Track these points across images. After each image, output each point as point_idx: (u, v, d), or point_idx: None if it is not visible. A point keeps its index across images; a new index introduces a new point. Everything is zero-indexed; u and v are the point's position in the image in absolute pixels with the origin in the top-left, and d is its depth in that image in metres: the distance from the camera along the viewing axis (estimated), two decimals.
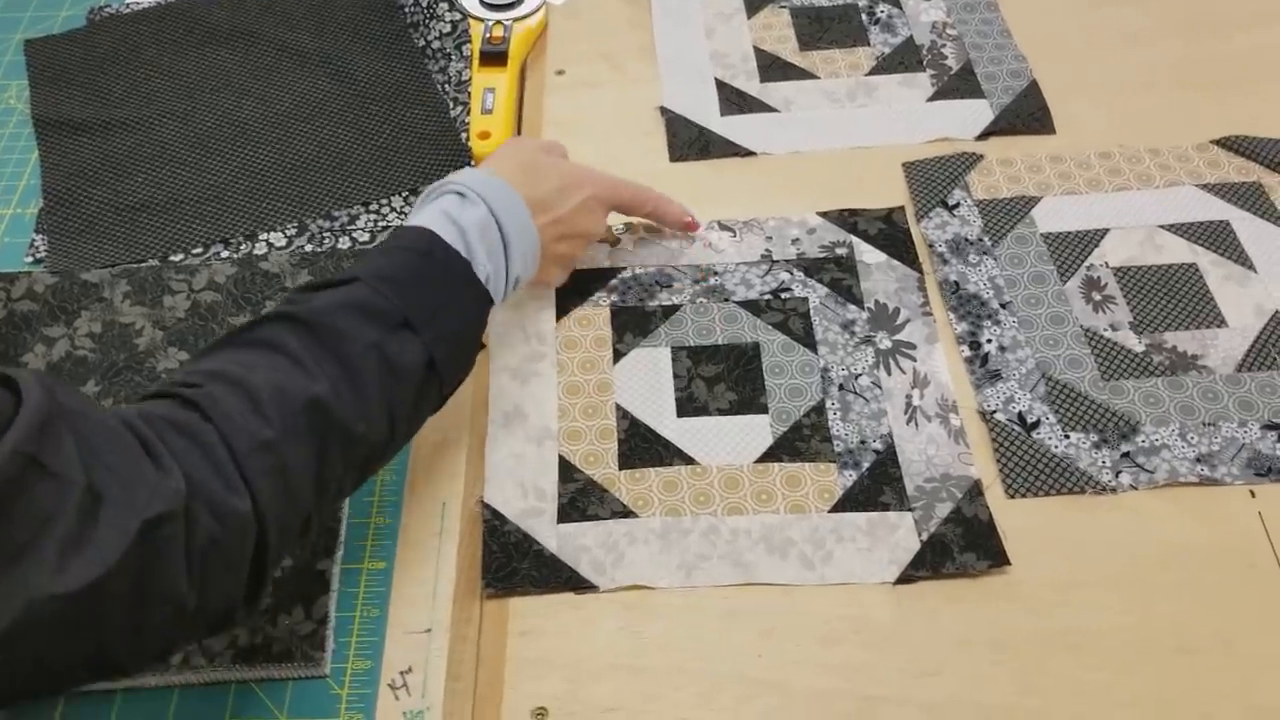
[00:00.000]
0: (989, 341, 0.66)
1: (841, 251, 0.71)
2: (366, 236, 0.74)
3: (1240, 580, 0.56)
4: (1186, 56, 0.83)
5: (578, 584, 0.57)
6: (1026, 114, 0.79)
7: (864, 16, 0.87)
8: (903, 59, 0.84)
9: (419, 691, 0.53)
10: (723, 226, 0.73)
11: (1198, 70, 0.81)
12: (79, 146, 0.81)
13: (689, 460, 0.61)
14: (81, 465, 0.39)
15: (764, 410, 0.63)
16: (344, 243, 0.74)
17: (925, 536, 0.58)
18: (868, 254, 0.71)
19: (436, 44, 0.86)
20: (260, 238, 0.74)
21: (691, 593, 0.57)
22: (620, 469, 0.61)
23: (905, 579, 0.56)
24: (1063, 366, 0.64)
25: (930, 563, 0.57)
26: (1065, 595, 0.56)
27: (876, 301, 0.68)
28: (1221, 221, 0.71)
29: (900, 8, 0.87)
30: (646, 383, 0.65)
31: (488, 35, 0.83)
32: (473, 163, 0.78)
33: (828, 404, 0.63)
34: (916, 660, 0.54)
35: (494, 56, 0.82)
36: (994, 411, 0.63)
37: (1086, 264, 0.69)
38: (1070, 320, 0.66)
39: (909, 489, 0.59)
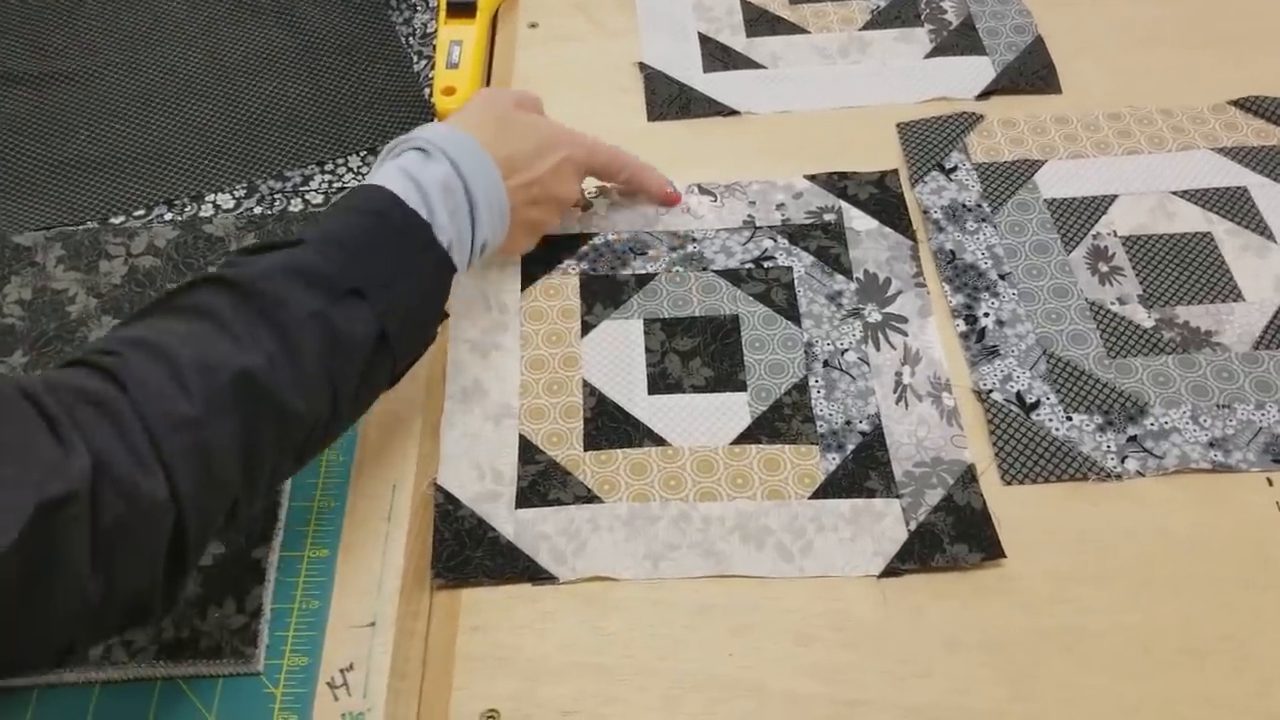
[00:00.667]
0: (986, 315, 0.63)
1: (829, 217, 0.68)
2: (320, 199, 0.72)
3: (1255, 576, 0.54)
4: (1202, 11, 0.81)
5: (535, 574, 0.55)
6: (1030, 72, 0.76)
7: None
8: (899, 13, 0.82)
9: (360, 691, 0.50)
10: (703, 190, 0.70)
11: (1214, 27, 0.80)
12: (13, 100, 0.79)
13: (660, 441, 0.59)
14: None
15: (742, 388, 0.61)
16: (296, 205, 0.71)
17: (913, 526, 0.55)
18: (858, 220, 0.68)
19: None
20: (206, 199, 0.72)
21: (659, 585, 0.55)
22: (585, 450, 0.59)
23: (891, 572, 0.54)
24: (1066, 343, 0.62)
25: (918, 554, 0.55)
26: (1064, 591, 0.54)
27: (866, 271, 0.65)
28: (1239, 188, 0.69)
29: None
30: (616, 357, 0.62)
31: None
32: (436, 120, 0.74)
33: (811, 381, 0.61)
34: (901, 661, 0.52)
35: (462, 7, 0.80)
36: (990, 391, 0.60)
37: (1093, 232, 0.67)
38: (1074, 293, 0.64)
39: (897, 474, 0.57)
